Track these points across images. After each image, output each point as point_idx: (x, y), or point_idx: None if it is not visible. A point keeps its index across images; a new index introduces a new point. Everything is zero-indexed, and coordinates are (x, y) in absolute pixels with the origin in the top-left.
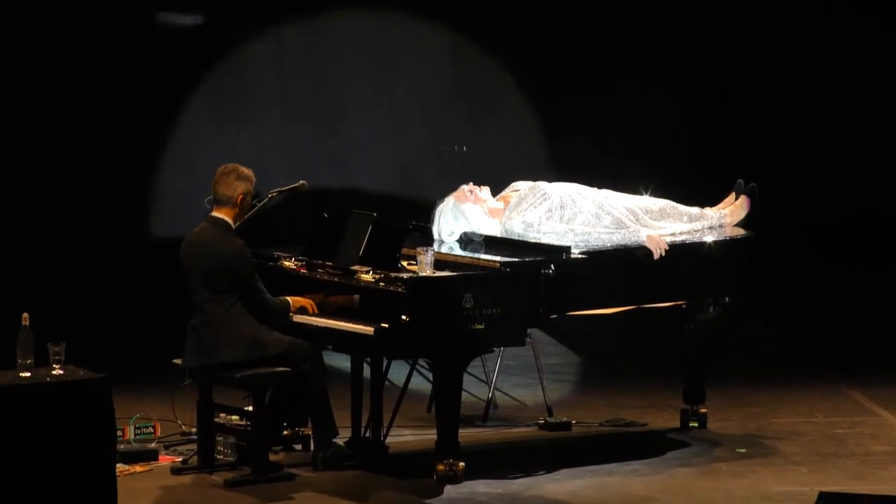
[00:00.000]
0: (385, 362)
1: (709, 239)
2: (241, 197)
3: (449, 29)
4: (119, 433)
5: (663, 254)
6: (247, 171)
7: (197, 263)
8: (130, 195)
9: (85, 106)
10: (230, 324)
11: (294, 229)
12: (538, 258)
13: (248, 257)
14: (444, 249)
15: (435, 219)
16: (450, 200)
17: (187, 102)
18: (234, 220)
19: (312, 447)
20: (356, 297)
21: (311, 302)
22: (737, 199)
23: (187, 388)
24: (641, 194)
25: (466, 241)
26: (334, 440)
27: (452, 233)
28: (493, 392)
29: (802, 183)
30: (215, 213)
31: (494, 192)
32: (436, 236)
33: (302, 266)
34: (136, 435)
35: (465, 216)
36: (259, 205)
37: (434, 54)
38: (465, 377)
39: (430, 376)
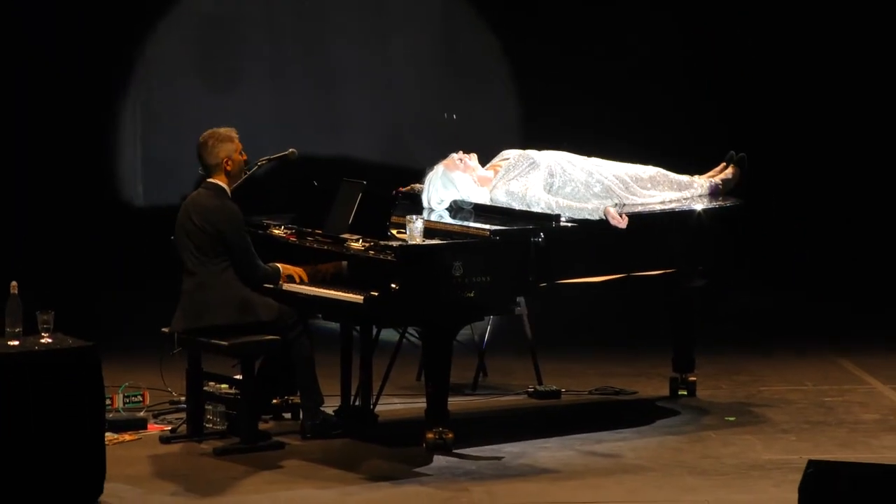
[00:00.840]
0: (375, 330)
1: (698, 207)
2: (226, 160)
3: None
4: (108, 402)
5: (622, 227)
6: (224, 132)
7: (191, 227)
8: (121, 163)
9: (70, 73)
10: (222, 287)
11: (284, 197)
12: (527, 226)
13: (240, 222)
14: (433, 217)
15: (424, 187)
16: (439, 168)
17: (177, 68)
18: (230, 183)
19: (301, 416)
20: (344, 263)
21: (301, 270)
22: (727, 167)
23: (176, 356)
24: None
25: (456, 209)
26: (322, 409)
27: (442, 201)
28: (482, 360)
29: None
30: (210, 179)
31: (484, 161)
32: (425, 204)
33: (291, 234)
34: (125, 403)
35: (454, 184)
36: (248, 173)
37: (426, 20)
38: (455, 345)
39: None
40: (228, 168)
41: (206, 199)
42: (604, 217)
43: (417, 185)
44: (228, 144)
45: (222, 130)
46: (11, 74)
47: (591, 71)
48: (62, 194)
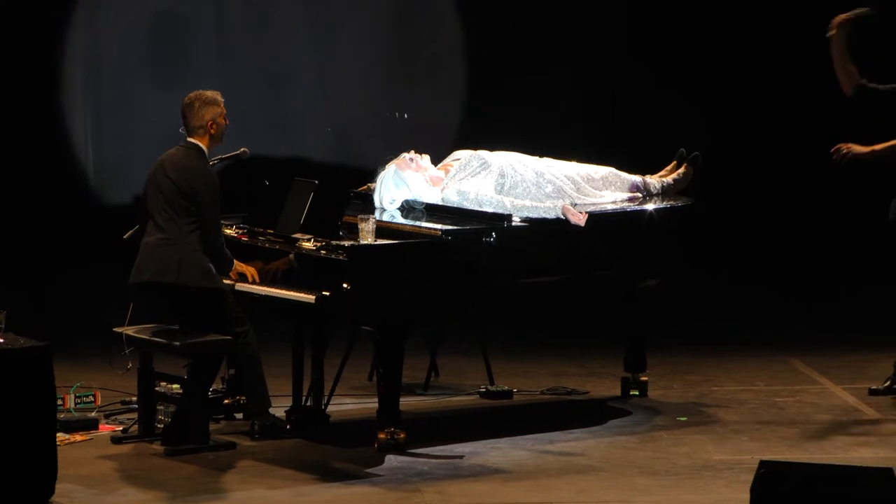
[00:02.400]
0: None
1: (650, 207)
2: (210, 123)
3: None
4: (59, 402)
5: (581, 224)
6: (211, 95)
7: (166, 182)
8: (71, 163)
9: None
10: (189, 246)
11: (235, 197)
12: (479, 226)
13: (217, 187)
14: (385, 217)
15: (376, 186)
16: (391, 168)
17: (125, 66)
18: (209, 146)
19: (249, 416)
20: (291, 256)
21: (254, 270)
22: (678, 166)
23: (128, 356)
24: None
25: (408, 209)
26: (271, 410)
27: (394, 200)
28: (434, 360)
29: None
30: (190, 139)
31: (435, 161)
32: (377, 204)
33: (243, 234)
34: (76, 404)
35: (406, 184)
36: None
37: (375, 15)
38: (406, 345)
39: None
40: (213, 131)
41: (186, 159)
42: (561, 216)
43: (372, 185)
44: (214, 107)
45: (208, 93)
46: None
47: (543, 71)
48: (15, 194)
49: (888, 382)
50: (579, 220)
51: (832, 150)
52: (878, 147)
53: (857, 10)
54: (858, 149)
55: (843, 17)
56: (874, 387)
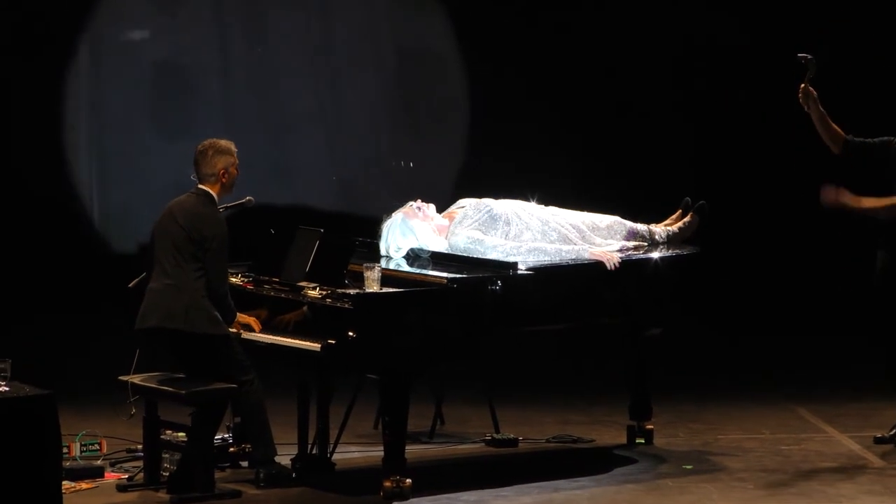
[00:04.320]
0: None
1: (655, 255)
2: (222, 171)
3: (394, 39)
4: (65, 450)
5: (617, 265)
6: (224, 144)
7: (174, 227)
8: (79, 210)
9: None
10: (195, 292)
11: (240, 245)
12: (484, 274)
13: (226, 235)
14: (391, 265)
15: (382, 234)
16: (398, 216)
17: (132, 115)
18: (220, 194)
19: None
20: (305, 308)
21: (255, 320)
22: (684, 215)
23: (133, 404)
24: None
25: (413, 257)
26: (276, 458)
27: (400, 248)
28: (440, 408)
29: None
30: (201, 186)
31: (439, 209)
32: (383, 252)
33: (249, 282)
34: (82, 451)
35: (413, 232)
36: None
37: (379, 65)
38: (412, 393)
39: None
40: (224, 180)
41: (197, 205)
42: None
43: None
44: (228, 157)
45: (222, 142)
46: None
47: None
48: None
49: (893, 431)
50: (609, 260)
51: (822, 190)
52: (865, 205)
53: (808, 75)
54: (848, 198)
55: (802, 88)
56: (879, 435)
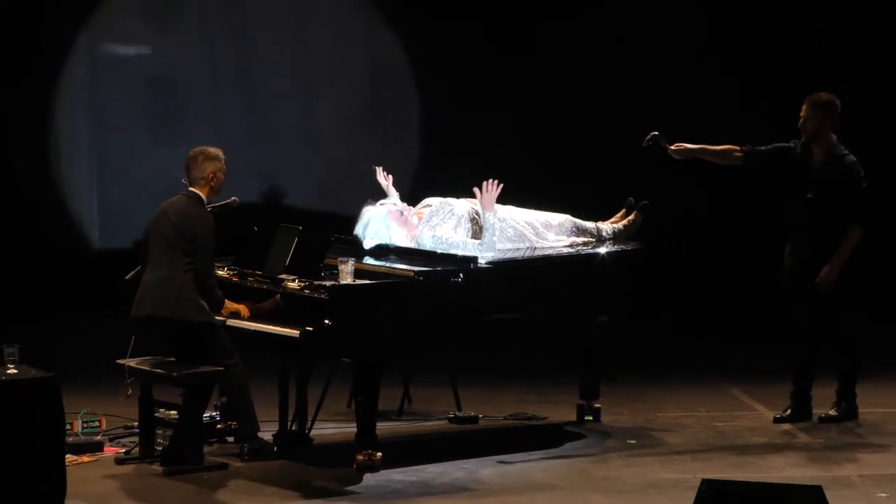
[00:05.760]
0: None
1: (602, 250)
2: (211, 175)
3: (366, 50)
4: (68, 426)
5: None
6: (214, 151)
7: (166, 225)
8: (78, 209)
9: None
10: (185, 284)
11: (226, 241)
12: (449, 267)
13: (213, 233)
14: (364, 260)
15: (363, 218)
16: (382, 210)
17: (129, 125)
18: (208, 196)
19: (240, 440)
20: (277, 296)
21: (244, 308)
22: (628, 214)
23: (129, 385)
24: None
25: (380, 252)
26: (259, 434)
27: (371, 239)
28: (407, 388)
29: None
30: (191, 188)
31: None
32: (357, 231)
33: (233, 275)
34: (83, 428)
35: (388, 230)
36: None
37: (352, 74)
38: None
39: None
40: (213, 184)
41: (188, 206)
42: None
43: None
44: (216, 162)
45: (212, 149)
46: None
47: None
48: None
49: (788, 411)
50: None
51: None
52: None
53: (663, 144)
54: (689, 147)
55: (672, 153)
56: (777, 415)
